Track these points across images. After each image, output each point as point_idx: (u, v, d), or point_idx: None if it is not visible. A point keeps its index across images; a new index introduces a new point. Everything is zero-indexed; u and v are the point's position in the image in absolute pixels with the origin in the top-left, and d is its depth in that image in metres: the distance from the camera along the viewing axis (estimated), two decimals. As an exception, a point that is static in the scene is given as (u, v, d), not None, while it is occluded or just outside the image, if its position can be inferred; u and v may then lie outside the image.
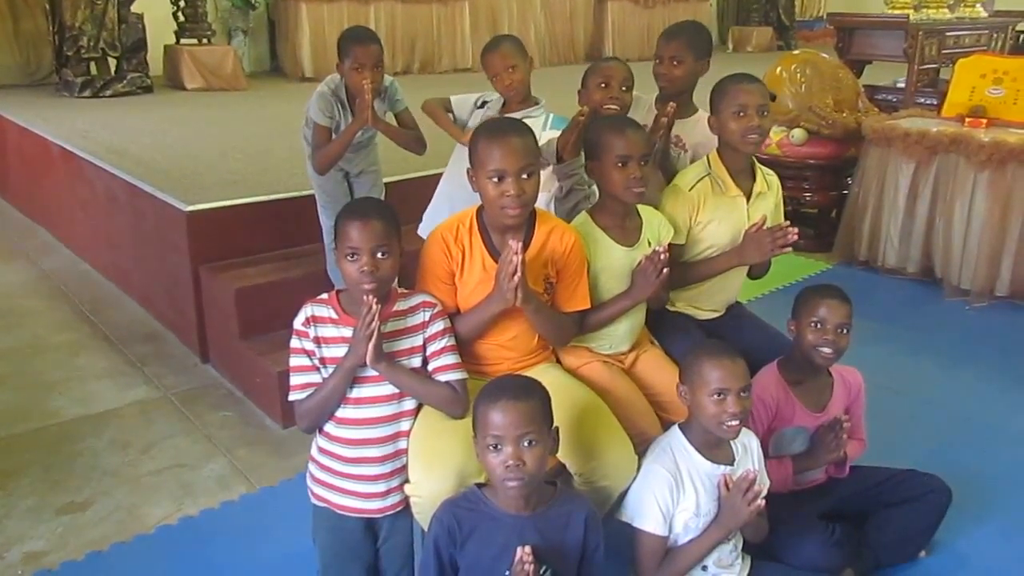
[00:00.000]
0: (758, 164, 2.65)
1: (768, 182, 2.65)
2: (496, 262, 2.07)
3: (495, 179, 2.02)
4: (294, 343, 2.01)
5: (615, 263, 2.34)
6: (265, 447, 3.14)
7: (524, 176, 2.03)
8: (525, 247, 2.05)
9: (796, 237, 2.44)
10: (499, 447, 1.73)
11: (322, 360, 2.00)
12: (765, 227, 2.47)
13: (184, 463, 3.03)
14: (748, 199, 2.57)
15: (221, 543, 2.61)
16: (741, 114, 2.44)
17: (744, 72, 2.55)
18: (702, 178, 2.56)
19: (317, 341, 1.99)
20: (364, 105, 3.03)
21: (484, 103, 3.07)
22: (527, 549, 1.70)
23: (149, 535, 2.64)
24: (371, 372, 1.97)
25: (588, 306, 2.27)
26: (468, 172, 2.14)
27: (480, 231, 2.15)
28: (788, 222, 2.52)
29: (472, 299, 2.14)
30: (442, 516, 1.83)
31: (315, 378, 1.99)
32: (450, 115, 3.11)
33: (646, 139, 2.33)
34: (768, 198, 2.63)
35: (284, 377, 3.08)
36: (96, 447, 3.12)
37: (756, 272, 2.72)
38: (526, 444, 1.72)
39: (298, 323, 2.01)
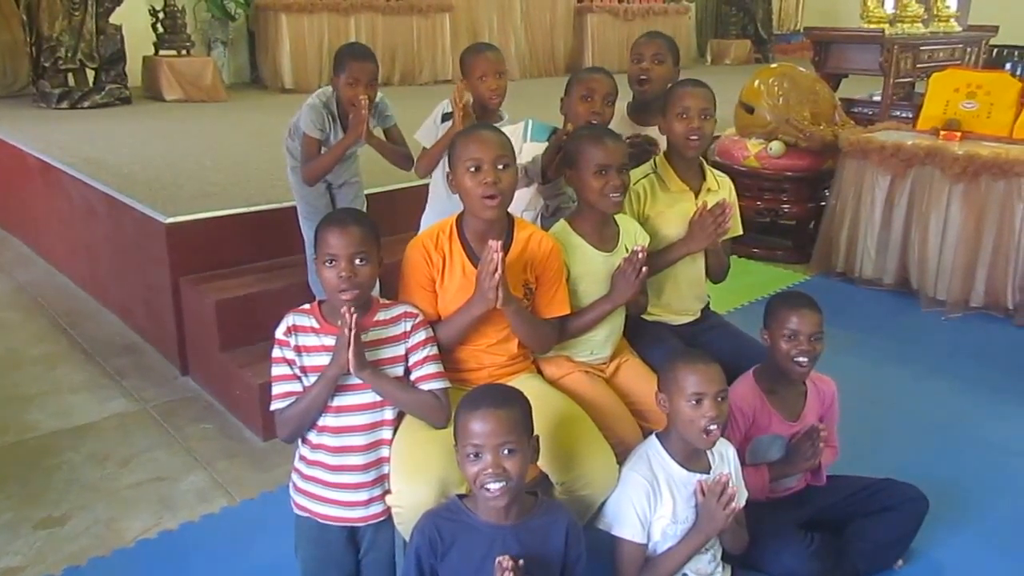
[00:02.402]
0: (708, 166, 2.75)
1: (719, 182, 2.74)
2: (476, 268, 2.09)
3: (472, 169, 2.08)
4: (275, 352, 2.02)
5: (594, 268, 2.37)
6: (246, 460, 3.12)
7: (500, 167, 2.08)
8: (504, 252, 2.07)
9: (732, 212, 2.55)
10: (479, 455, 1.74)
11: (303, 369, 2.01)
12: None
13: (163, 476, 3.01)
14: (697, 196, 2.66)
15: (201, 557, 2.59)
16: (684, 116, 2.56)
17: (693, 78, 2.66)
18: (647, 175, 2.67)
19: (298, 350, 2.00)
20: (360, 120, 3.05)
21: (447, 115, 3.07)
22: (506, 557, 1.71)
23: (128, 549, 2.62)
24: (353, 380, 1.98)
25: (568, 311, 2.30)
26: (447, 176, 2.19)
27: (460, 238, 2.19)
28: (726, 200, 2.59)
29: (453, 305, 2.15)
30: (423, 527, 1.84)
31: (296, 387, 2.00)
32: (424, 148, 3.12)
33: (624, 148, 2.38)
34: (719, 195, 2.70)
35: (265, 389, 3.08)
36: (74, 461, 3.09)
37: (714, 274, 2.77)
38: (505, 452, 1.73)
39: (279, 332, 2.02)
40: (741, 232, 2.82)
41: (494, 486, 1.74)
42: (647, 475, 2.08)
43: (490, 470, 1.72)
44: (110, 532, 2.70)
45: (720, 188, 2.74)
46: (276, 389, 2.02)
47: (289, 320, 2.03)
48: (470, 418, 1.75)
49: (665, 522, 2.07)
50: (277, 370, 2.02)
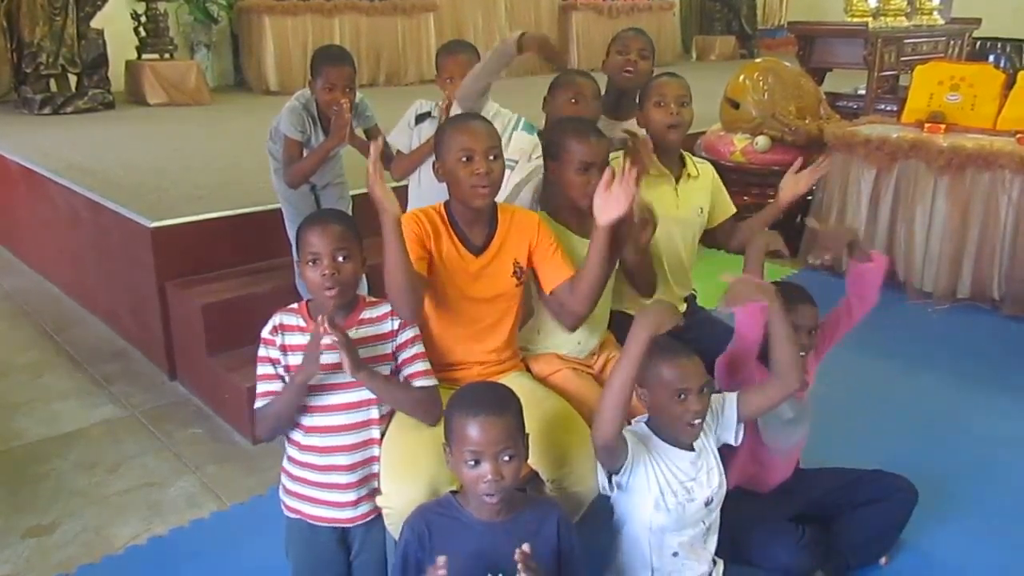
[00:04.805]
0: (688, 155, 2.80)
1: (699, 169, 2.78)
2: (466, 250, 2.15)
3: (464, 159, 2.08)
4: (261, 351, 2.02)
5: (578, 257, 2.35)
6: (235, 463, 3.11)
7: (491, 157, 2.10)
8: (488, 240, 2.15)
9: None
10: (478, 462, 1.72)
11: (287, 368, 2.00)
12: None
13: (153, 482, 3.00)
14: (678, 182, 2.71)
15: (192, 561, 2.58)
16: (661, 104, 2.61)
17: (668, 72, 2.73)
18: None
19: (283, 349, 2.00)
20: (342, 123, 3.05)
21: (421, 116, 3.06)
22: (524, 547, 1.67)
23: (118, 556, 2.61)
24: (340, 379, 1.98)
25: (572, 272, 2.23)
26: (434, 165, 2.19)
27: (449, 221, 2.19)
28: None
29: (442, 289, 2.16)
30: (414, 522, 1.83)
31: (277, 387, 2.00)
32: (398, 151, 3.11)
33: (607, 146, 2.35)
34: (700, 181, 2.75)
35: (253, 392, 3.06)
36: (62, 468, 3.08)
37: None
38: (505, 459, 1.72)
39: (266, 332, 2.02)
40: (734, 211, 2.86)
41: (493, 496, 1.74)
42: (639, 431, 2.06)
43: (490, 477, 1.71)
44: (99, 539, 2.68)
45: (701, 175, 2.77)
46: (259, 388, 2.02)
47: (276, 319, 2.03)
48: (468, 423, 1.73)
49: (654, 494, 2.01)
50: (261, 369, 2.02)
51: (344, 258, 1.94)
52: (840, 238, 2.43)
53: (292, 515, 2.09)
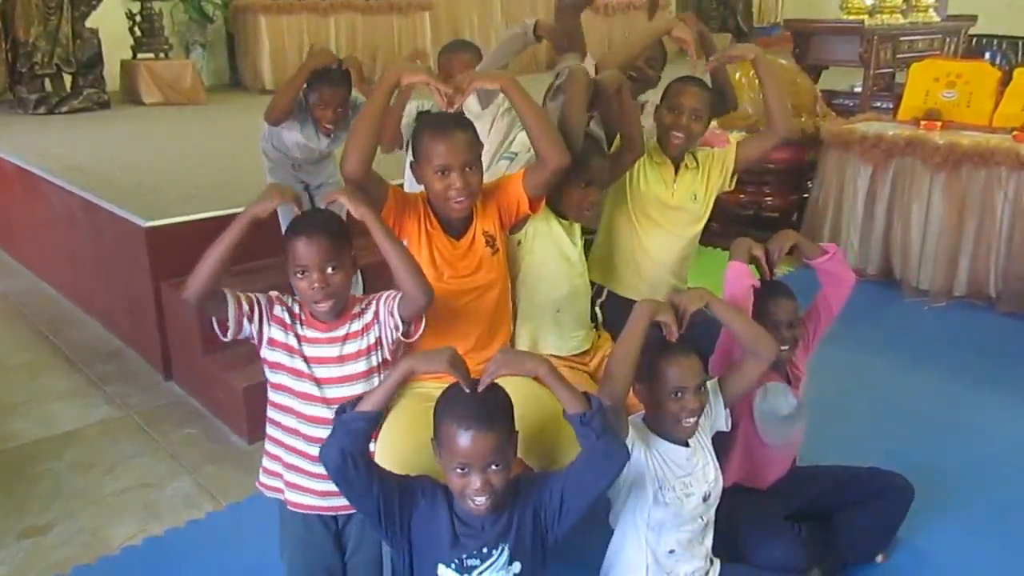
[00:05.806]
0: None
1: (698, 160, 2.79)
2: (446, 238, 2.15)
3: (440, 173, 2.06)
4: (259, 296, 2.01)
5: (544, 229, 2.37)
6: (231, 463, 3.11)
7: (468, 169, 2.07)
8: (467, 225, 2.16)
9: None
10: (467, 473, 1.72)
11: (260, 318, 1.98)
12: None
13: (148, 482, 2.99)
14: (677, 171, 2.74)
15: (188, 562, 2.58)
16: (674, 110, 2.63)
17: (693, 76, 2.70)
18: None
19: (270, 318, 2.00)
20: (322, 58, 3.16)
21: (420, 115, 3.07)
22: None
23: (113, 557, 2.61)
24: (338, 373, 1.97)
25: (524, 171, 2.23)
26: (411, 165, 2.17)
27: (432, 210, 2.17)
28: None
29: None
30: (424, 481, 1.84)
31: (244, 298, 1.99)
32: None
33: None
34: (697, 172, 2.77)
35: (249, 392, 3.08)
36: (58, 469, 3.07)
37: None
38: (493, 469, 1.72)
39: (271, 293, 2.03)
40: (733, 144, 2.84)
41: (482, 505, 1.74)
42: (631, 425, 2.06)
43: (478, 486, 1.71)
44: (95, 540, 2.68)
45: (699, 165, 2.77)
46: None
47: (285, 297, 2.04)
48: (457, 433, 1.70)
49: (652, 487, 2.02)
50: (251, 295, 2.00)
51: (333, 269, 1.91)
52: (783, 243, 2.42)
53: (271, 494, 2.08)
